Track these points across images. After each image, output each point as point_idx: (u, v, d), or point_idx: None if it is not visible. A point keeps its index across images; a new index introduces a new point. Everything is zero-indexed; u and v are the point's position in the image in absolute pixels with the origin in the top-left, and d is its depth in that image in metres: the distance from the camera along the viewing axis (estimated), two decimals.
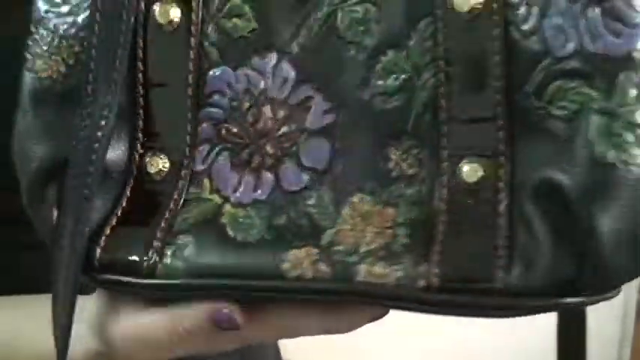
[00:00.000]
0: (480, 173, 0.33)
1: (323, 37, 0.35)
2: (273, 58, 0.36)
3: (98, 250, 0.37)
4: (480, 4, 0.32)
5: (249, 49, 0.37)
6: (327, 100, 0.35)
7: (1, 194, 0.41)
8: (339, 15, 0.35)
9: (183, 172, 0.38)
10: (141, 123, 0.38)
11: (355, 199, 0.35)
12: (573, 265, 0.32)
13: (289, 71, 0.36)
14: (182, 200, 0.37)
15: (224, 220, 0.37)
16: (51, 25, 0.38)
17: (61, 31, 0.38)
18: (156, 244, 0.37)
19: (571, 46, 0.31)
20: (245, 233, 0.36)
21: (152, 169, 0.38)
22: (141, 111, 0.38)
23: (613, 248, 0.31)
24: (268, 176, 0.36)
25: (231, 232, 0.36)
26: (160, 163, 0.38)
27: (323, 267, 0.35)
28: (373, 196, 0.35)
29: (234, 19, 0.37)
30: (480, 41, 0.32)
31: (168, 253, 0.37)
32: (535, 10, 0.32)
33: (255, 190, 0.37)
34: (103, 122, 0.36)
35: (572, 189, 0.31)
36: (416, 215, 0.34)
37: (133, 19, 0.37)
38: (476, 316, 0.33)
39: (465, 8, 0.32)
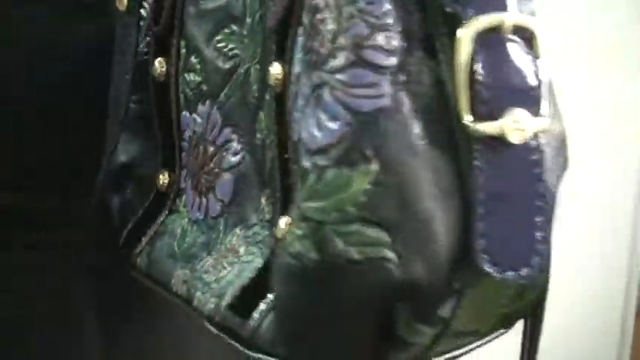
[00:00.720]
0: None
1: (241, 90, 0.43)
2: (207, 105, 0.44)
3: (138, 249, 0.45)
4: None
5: (197, 98, 0.45)
6: (239, 143, 0.42)
7: None
8: (252, 71, 0.42)
9: (177, 186, 0.47)
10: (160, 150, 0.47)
11: (236, 231, 0.43)
12: None
13: (217, 117, 0.44)
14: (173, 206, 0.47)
15: (178, 230, 0.45)
16: None
17: None
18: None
19: None
20: (179, 247, 0.45)
21: (160, 183, 0.47)
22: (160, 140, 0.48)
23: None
24: (204, 201, 0.45)
25: (173, 244, 0.45)
26: (163, 178, 0.47)
27: (184, 288, 0.42)
28: (244, 231, 0.42)
29: (191, 74, 0.45)
30: None
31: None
32: None
33: (199, 210, 0.45)
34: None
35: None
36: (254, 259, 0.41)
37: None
38: None
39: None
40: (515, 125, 0.31)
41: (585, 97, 1.25)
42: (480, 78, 0.31)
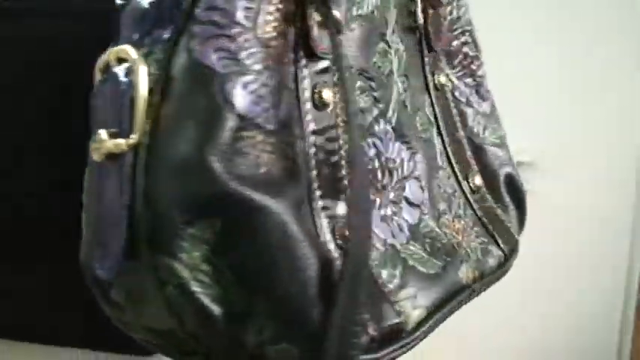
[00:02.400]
0: (479, 180, 0.57)
1: (399, 102, 0.47)
2: (382, 123, 0.45)
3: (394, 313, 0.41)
4: None
5: (370, 117, 0.45)
6: (409, 150, 0.47)
7: None
8: (399, 84, 0.48)
9: None
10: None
11: (445, 218, 0.48)
12: None
13: (390, 131, 0.46)
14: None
15: (410, 261, 0.43)
16: None
17: None
18: (396, 306, 0.41)
19: (484, 107, 0.59)
20: (426, 266, 0.44)
21: None
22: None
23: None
24: (400, 219, 0.45)
25: (421, 269, 0.44)
26: None
27: (476, 271, 0.48)
28: (450, 213, 0.49)
29: (362, 95, 0.45)
30: (448, 106, 0.56)
31: (406, 306, 0.41)
32: (464, 91, 0.58)
33: (401, 231, 0.44)
34: None
35: None
36: (470, 220, 0.52)
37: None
38: None
39: (443, 83, 0.55)
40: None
41: (586, 97, 1.25)
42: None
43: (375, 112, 0.44)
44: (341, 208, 0.38)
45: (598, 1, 1.25)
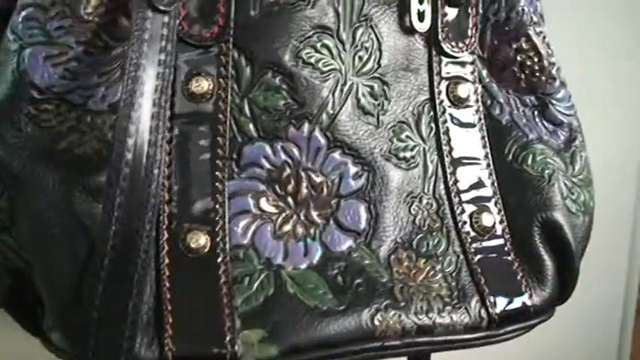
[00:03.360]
0: (490, 220, 0.45)
1: (347, 108, 0.41)
2: (305, 129, 0.40)
3: (167, 341, 0.34)
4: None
5: (284, 122, 0.39)
6: (356, 165, 0.40)
7: None
8: (359, 88, 0.41)
9: (223, 246, 0.37)
10: (166, 195, 0.37)
11: (398, 254, 0.40)
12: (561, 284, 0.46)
13: (321, 140, 0.40)
14: (231, 278, 0.36)
15: (290, 289, 0.37)
16: None
17: None
18: (229, 335, 0.35)
19: (534, 133, 0.48)
20: (316, 299, 0.37)
21: (194, 244, 0.37)
22: (165, 181, 0.37)
23: (577, 264, 0.44)
24: (314, 242, 0.38)
25: (305, 300, 0.37)
26: (199, 239, 0.37)
27: (408, 324, 0.38)
28: (412, 250, 0.41)
29: (268, 94, 0.39)
30: (469, 125, 0.47)
31: (253, 338, 0.35)
32: (506, 109, 0.48)
33: (305, 255, 0.38)
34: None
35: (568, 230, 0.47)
36: (450, 263, 0.42)
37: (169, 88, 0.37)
38: None
39: (462, 96, 0.48)
40: None
41: (586, 97, 1.25)
42: None
43: (291, 113, 0.39)
44: None
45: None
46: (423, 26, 0.44)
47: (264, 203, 0.39)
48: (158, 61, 0.33)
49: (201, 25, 0.37)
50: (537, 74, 0.48)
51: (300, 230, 0.38)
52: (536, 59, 0.48)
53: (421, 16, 0.44)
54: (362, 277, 0.39)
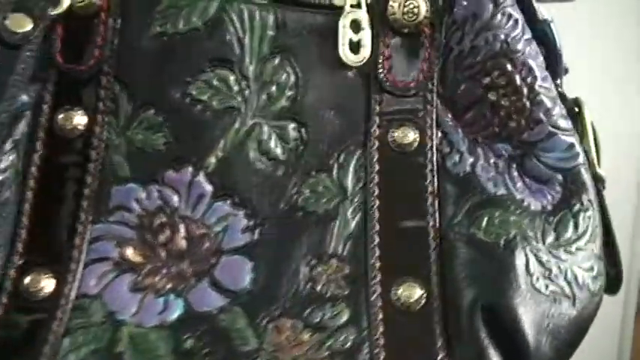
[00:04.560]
0: (417, 293, 0.35)
1: (243, 151, 0.35)
2: (187, 173, 0.35)
3: None
4: (415, 142, 0.37)
5: (162, 163, 0.35)
6: (248, 217, 0.35)
7: None
8: (264, 129, 0.35)
9: (68, 293, 0.33)
10: (23, 232, 0.34)
11: (280, 322, 0.34)
12: None
13: (205, 186, 0.35)
14: (65, 326, 0.33)
15: (120, 348, 0.33)
16: None
17: None
18: None
19: (502, 190, 0.37)
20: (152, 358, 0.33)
21: (32, 287, 0.34)
22: (24, 219, 0.34)
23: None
24: (178, 299, 0.34)
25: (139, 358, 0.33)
26: (42, 281, 0.34)
27: None
28: (299, 319, 0.34)
29: (147, 132, 0.35)
30: (414, 177, 0.37)
31: None
32: (467, 159, 0.37)
33: (160, 313, 0.34)
34: None
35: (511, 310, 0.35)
36: (346, 339, 0.34)
37: (32, 123, 0.34)
38: None
39: (405, 142, 0.38)
40: None
41: (586, 97, 1.25)
42: None
43: (172, 155, 0.35)
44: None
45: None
46: (357, 58, 0.36)
47: (129, 252, 0.34)
48: (15, 95, 0.31)
49: (76, 57, 0.34)
50: (515, 116, 0.38)
51: (165, 285, 0.34)
52: (513, 97, 0.38)
53: (355, 47, 0.36)
54: (219, 344, 0.33)
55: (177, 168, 0.35)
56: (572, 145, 0.39)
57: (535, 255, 0.37)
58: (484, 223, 0.37)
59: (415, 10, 0.37)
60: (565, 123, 0.39)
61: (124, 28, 0.34)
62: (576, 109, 0.43)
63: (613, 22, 1.27)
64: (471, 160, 0.37)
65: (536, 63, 0.38)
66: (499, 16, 0.37)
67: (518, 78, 0.38)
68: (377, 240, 0.36)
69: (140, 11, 0.34)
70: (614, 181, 1.36)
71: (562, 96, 0.40)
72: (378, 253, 0.36)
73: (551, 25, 0.40)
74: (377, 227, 0.36)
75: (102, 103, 0.34)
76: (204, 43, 0.35)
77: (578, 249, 0.40)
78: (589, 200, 0.40)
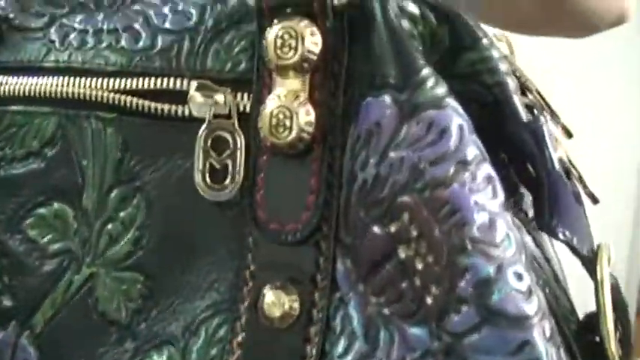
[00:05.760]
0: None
1: (77, 311, 0.28)
2: (11, 332, 0.29)
3: None
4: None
5: None
6: None
7: None
8: (104, 282, 0.28)
9: None
10: None
11: None
12: None
13: (30, 351, 0.29)
14: None
15: None
16: None
17: None
18: None
19: None
20: None
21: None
22: None
23: None
24: None
25: None
26: None
27: None
28: None
29: None
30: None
31: None
32: (362, 350, 0.25)
33: None
34: None
35: None
36: None
37: None
38: None
39: (277, 313, 0.25)
40: None
41: (586, 97, 1.26)
42: None
43: None
44: None
45: None
46: (221, 189, 0.26)
47: None
48: None
49: None
50: (433, 288, 0.23)
51: None
52: (429, 258, 0.23)
53: (218, 174, 0.26)
54: None
55: (2, 325, 0.29)
56: (525, 345, 0.23)
57: None
58: None
59: (287, 121, 0.25)
60: (522, 302, 0.23)
61: None
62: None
63: None
64: (368, 350, 0.24)
65: (476, 197, 0.23)
66: (413, 127, 0.24)
67: (436, 227, 0.23)
68: None
69: None
70: (615, 181, 1.36)
71: (566, 243, 0.27)
72: None
73: (540, 129, 0.26)
74: None
75: None
76: (42, 171, 0.29)
77: None
78: None
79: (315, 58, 0.25)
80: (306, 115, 0.25)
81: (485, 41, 0.25)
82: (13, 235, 0.29)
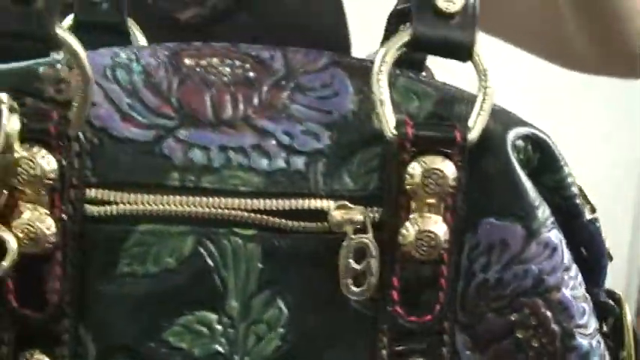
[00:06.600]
0: None
1: None
2: None
3: None
4: None
5: None
6: None
7: None
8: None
9: None
10: None
11: None
12: None
13: None
14: None
15: None
16: None
17: None
18: None
19: None
20: None
21: None
22: None
23: None
24: None
25: None
26: None
27: None
28: None
29: None
30: None
31: None
32: None
33: None
34: None
35: None
36: None
37: None
38: None
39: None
40: None
41: (587, 97, 1.25)
42: None
43: None
44: None
45: None
46: (361, 291, 0.31)
47: None
48: None
49: (33, 300, 0.30)
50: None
51: None
52: (544, 340, 0.32)
53: (358, 278, 0.31)
54: None
55: None
56: None
57: None
58: None
59: (432, 242, 0.30)
60: None
61: (85, 266, 0.31)
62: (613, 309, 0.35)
63: None
64: None
65: (574, 293, 0.32)
66: (533, 247, 0.31)
67: (552, 320, 0.32)
68: None
69: (104, 249, 0.31)
70: (615, 182, 1.36)
71: (603, 306, 0.34)
72: None
73: (597, 224, 0.34)
74: None
75: (61, 348, 0.30)
76: (181, 285, 0.31)
77: None
78: None
79: (451, 190, 0.30)
80: (443, 235, 0.30)
81: (566, 169, 0.32)
82: (155, 344, 0.31)
